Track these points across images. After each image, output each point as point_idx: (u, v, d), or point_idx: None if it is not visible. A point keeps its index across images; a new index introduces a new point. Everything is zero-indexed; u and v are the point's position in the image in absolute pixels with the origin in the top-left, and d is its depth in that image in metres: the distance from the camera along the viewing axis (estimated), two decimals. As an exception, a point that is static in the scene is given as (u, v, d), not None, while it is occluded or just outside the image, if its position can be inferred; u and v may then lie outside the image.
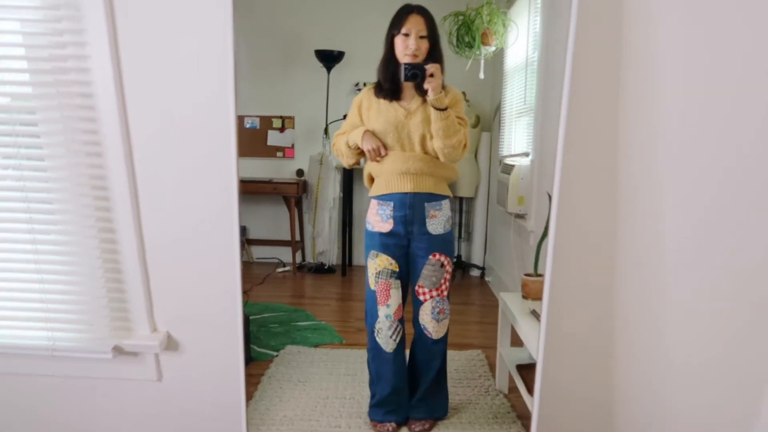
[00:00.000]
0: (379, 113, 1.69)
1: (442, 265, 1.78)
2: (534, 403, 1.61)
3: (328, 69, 2.16)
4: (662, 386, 1.66)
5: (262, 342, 2.20)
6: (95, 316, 1.66)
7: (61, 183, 1.58)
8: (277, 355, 2.17)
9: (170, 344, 1.74)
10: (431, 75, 1.59)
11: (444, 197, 1.77)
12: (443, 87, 1.63)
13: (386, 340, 1.80)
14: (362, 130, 1.71)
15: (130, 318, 1.70)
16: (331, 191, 2.34)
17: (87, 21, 1.46)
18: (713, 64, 1.44)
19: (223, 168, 1.56)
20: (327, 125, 2.20)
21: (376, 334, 1.81)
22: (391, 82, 1.68)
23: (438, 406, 1.87)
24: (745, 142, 1.46)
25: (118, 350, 1.69)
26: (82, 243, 1.61)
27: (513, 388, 2.02)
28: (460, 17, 1.99)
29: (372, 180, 1.79)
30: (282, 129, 2.29)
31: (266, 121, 2.27)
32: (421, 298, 1.78)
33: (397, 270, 1.77)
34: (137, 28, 1.51)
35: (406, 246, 1.77)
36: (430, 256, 1.76)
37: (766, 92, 1.41)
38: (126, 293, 1.67)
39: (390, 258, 1.75)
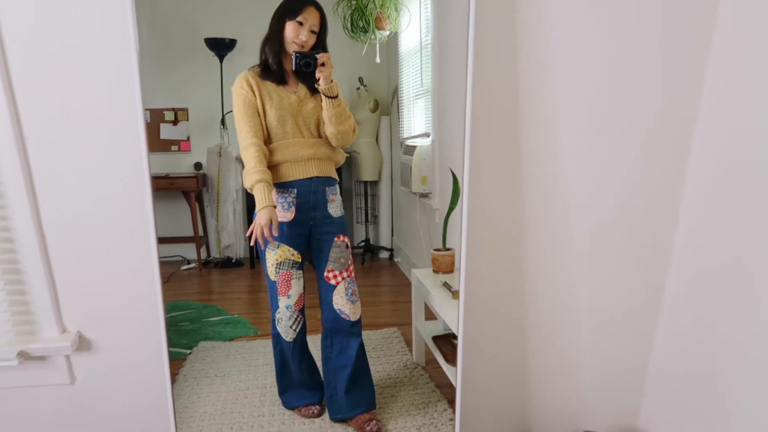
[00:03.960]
0: (271, 99, 1.66)
1: (347, 246, 1.81)
2: (458, 365, 1.67)
3: (221, 58, 2.09)
4: (567, 343, 1.80)
5: (172, 341, 2.10)
6: (-6, 322, 1.52)
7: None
8: (190, 353, 2.09)
9: (82, 344, 1.63)
10: (323, 64, 1.61)
11: (337, 182, 1.81)
12: None
13: (286, 330, 1.80)
14: (267, 202, 1.63)
15: (35, 320, 1.57)
16: (233, 183, 2.28)
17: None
18: (604, 45, 1.56)
19: (132, 159, 1.49)
20: (223, 116, 2.14)
21: (276, 323, 1.81)
22: (278, 66, 1.67)
23: (365, 398, 1.84)
24: (631, 123, 1.61)
25: (23, 356, 1.55)
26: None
27: (429, 361, 2.09)
28: (353, 2, 2.01)
29: None
30: (175, 122, 2.19)
31: (157, 114, 2.16)
32: (333, 282, 1.79)
33: (299, 260, 1.77)
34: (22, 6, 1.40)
35: (307, 234, 1.77)
36: (336, 239, 1.79)
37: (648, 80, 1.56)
38: (28, 294, 1.55)
39: (291, 248, 1.75)
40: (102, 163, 1.53)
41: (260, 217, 1.62)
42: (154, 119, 2.15)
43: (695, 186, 1.62)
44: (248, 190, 1.66)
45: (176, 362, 2.03)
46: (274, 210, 1.64)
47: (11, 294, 1.55)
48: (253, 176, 1.62)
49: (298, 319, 1.81)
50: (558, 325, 1.78)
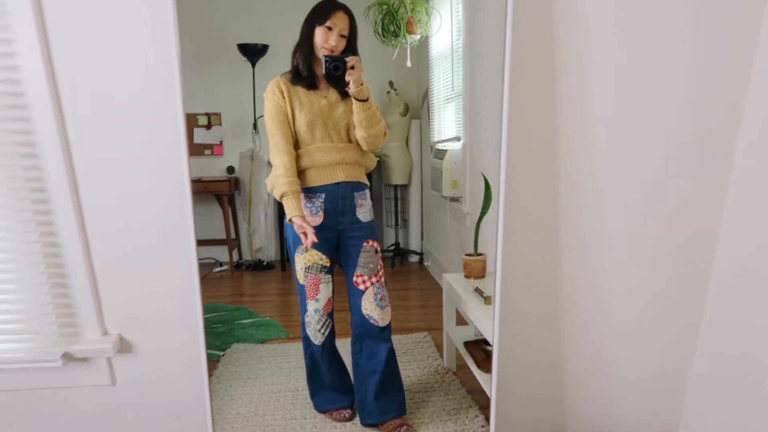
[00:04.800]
0: (301, 104, 1.67)
1: (376, 251, 1.80)
2: (493, 373, 1.66)
3: (253, 63, 2.12)
4: (605, 348, 1.78)
5: (206, 343, 2.14)
6: (40, 323, 1.58)
7: (-6, 187, 1.49)
8: (223, 355, 2.12)
9: (123, 347, 1.67)
10: (352, 67, 1.61)
11: (367, 186, 1.80)
12: None
13: (314, 333, 1.81)
14: (296, 212, 1.66)
15: (79, 323, 1.62)
16: (264, 187, 2.30)
17: (13, 16, 1.38)
18: (632, 47, 1.54)
19: (172, 165, 1.52)
20: (255, 120, 2.16)
21: (306, 326, 1.82)
22: (309, 71, 1.68)
23: (396, 403, 1.84)
24: (671, 125, 1.59)
25: (67, 357, 1.61)
26: (22, 249, 1.52)
27: (460, 366, 2.08)
28: (384, 6, 2.01)
29: None
30: (208, 126, 2.22)
31: (191, 119, 2.19)
32: (362, 287, 1.79)
33: (328, 265, 1.77)
34: (69, 19, 1.44)
35: (336, 239, 1.77)
36: (365, 244, 1.78)
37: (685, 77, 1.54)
38: (72, 298, 1.59)
39: (320, 253, 1.75)
40: (143, 171, 1.56)
41: (296, 228, 1.67)
42: (188, 124, 2.14)
43: (740, 185, 1.58)
44: (277, 198, 1.68)
45: (210, 364, 2.02)
46: (303, 218, 1.66)
47: (56, 297, 1.60)
48: (282, 187, 1.65)
49: (327, 323, 1.82)
50: (595, 330, 1.76)
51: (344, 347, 1.89)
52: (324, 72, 1.63)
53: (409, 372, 2.06)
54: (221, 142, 2.23)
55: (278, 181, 1.66)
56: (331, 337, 1.85)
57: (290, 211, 1.65)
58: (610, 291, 1.72)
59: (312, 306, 1.79)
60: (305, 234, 1.65)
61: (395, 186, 2.40)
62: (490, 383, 1.67)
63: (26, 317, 1.61)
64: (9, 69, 1.43)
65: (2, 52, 1.42)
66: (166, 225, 1.60)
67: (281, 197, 1.66)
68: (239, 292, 2.37)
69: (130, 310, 1.66)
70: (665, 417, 1.83)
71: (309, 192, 1.73)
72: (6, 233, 1.54)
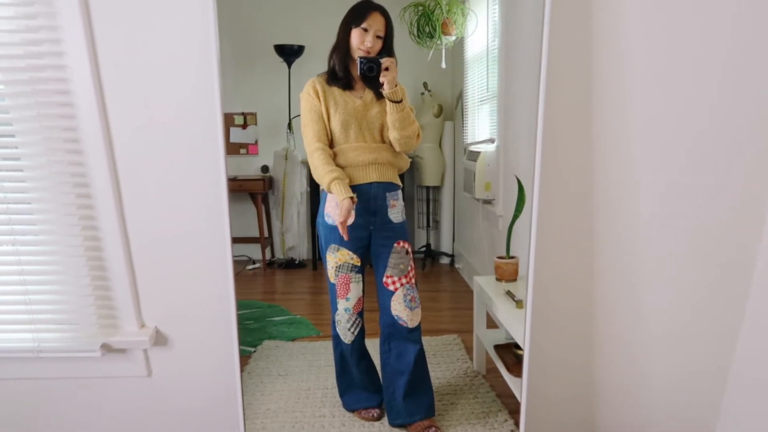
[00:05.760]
0: (336, 104, 1.68)
1: (407, 252, 1.80)
2: (523, 376, 1.64)
3: (289, 64, 2.14)
4: (639, 350, 1.74)
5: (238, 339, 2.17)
6: (81, 315, 1.63)
7: (40, 182, 1.55)
8: (254, 351, 2.15)
9: (159, 339, 1.72)
10: (386, 68, 1.62)
11: (399, 187, 1.80)
12: None
13: (344, 332, 1.82)
14: (346, 194, 1.65)
15: (117, 315, 1.67)
16: (297, 186, 2.32)
17: (62, 17, 1.43)
18: (675, 50, 1.51)
19: (209, 163, 1.56)
20: (290, 120, 2.18)
21: (336, 325, 1.83)
22: (345, 72, 1.70)
23: (424, 404, 1.82)
24: (709, 124, 1.55)
25: (106, 348, 1.66)
26: (65, 242, 1.58)
27: (490, 369, 2.07)
28: (420, 8, 2.01)
29: None
30: (244, 126, 2.25)
31: (227, 118, 2.22)
32: (391, 288, 1.79)
33: (359, 264, 1.78)
34: (114, 22, 1.48)
35: (367, 238, 1.78)
36: (395, 245, 1.78)
37: (719, 77, 1.51)
38: (112, 291, 1.65)
39: (351, 252, 1.76)
40: (181, 169, 1.60)
41: (342, 208, 1.65)
42: (224, 123, 2.20)
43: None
44: (326, 189, 1.69)
45: (241, 359, 2.05)
46: (351, 202, 1.65)
47: (97, 289, 1.65)
48: (328, 176, 1.66)
49: (357, 321, 1.82)
50: (630, 332, 1.73)
51: (374, 347, 1.89)
52: (359, 73, 1.65)
53: (438, 374, 2.05)
54: (256, 142, 2.25)
55: (321, 176, 1.68)
56: (360, 337, 1.85)
57: (341, 195, 1.64)
58: (646, 293, 1.69)
59: (342, 305, 1.80)
60: (344, 222, 1.65)
61: (427, 187, 2.39)
62: (520, 387, 1.65)
63: (68, 308, 1.67)
64: (57, 68, 1.48)
65: (51, 51, 1.47)
66: (203, 222, 1.63)
67: (329, 185, 1.66)
68: (271, 290, 2.40)
69: (166, 304, 1.70)
70: (701, 421, 1.79)
71: None
72: (50, 226, 1.60)
